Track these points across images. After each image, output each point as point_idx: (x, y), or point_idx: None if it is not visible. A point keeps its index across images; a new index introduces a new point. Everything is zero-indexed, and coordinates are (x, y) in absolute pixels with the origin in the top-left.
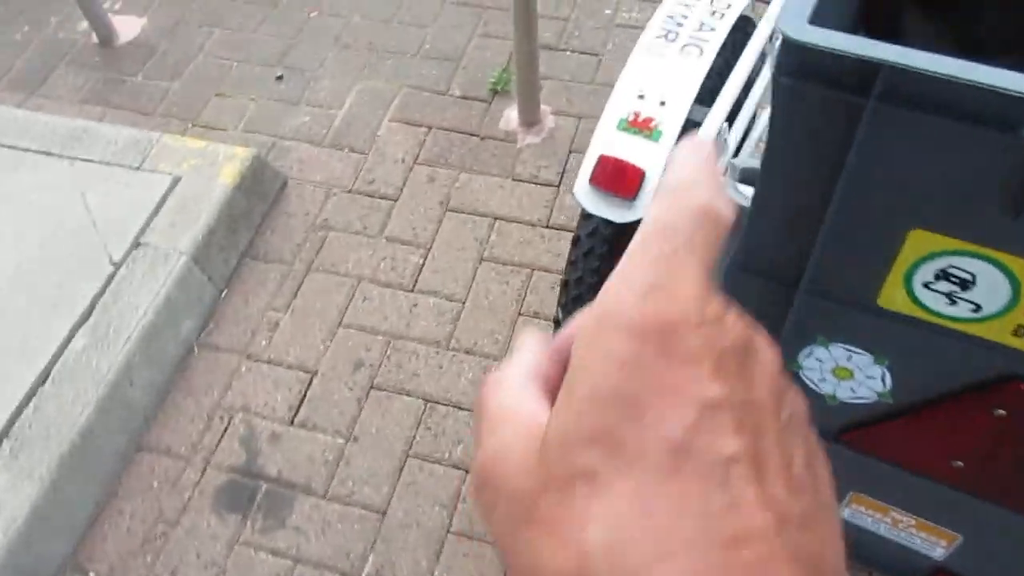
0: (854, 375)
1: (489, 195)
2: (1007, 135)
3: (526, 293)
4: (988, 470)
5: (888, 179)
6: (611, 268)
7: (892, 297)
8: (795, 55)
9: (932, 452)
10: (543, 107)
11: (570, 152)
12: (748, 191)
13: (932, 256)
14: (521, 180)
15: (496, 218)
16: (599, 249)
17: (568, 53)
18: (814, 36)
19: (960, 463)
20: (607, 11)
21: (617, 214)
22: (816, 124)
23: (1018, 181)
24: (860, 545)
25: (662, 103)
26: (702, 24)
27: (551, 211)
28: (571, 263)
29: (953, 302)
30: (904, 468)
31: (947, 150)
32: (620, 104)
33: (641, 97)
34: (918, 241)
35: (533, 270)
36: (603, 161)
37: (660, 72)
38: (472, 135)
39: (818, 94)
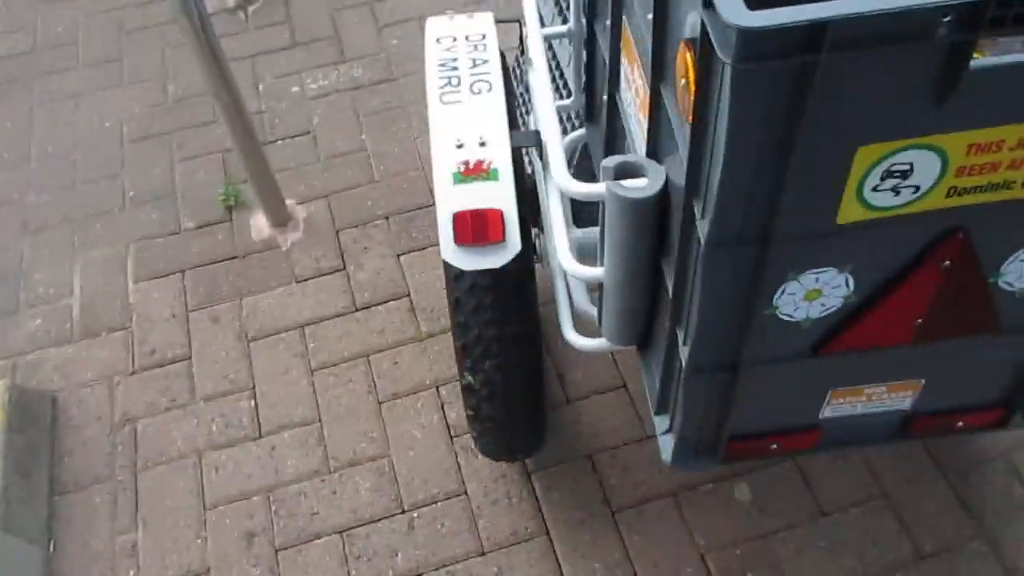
0: (822, 292)
1: (283, 308)
2: (924, 41)
3: (374, 380)
4: (942, 316)
5: (838, 117)
6: (504, 314)
7: (848, 212)
8: (747, 42)
9: (897, 324)
10: (287, 202)
11: (337, 232)
12: (638, 183)
13: (877, 162)
14: (306, 279)
15: (303, 326)
16: (485, 300)
17: (280, 142)
18: (760, 19)
19: (920, 320)
20: (294, 88)
21: (494, 260)
22: (769, 95)
23: (939, 76)
24: (840, 430)
25: (483, 143)
26: (474, 61)
27: (352, 294)
28: (460, 325)
29: (897, 192)
30: (874, 349)
31: (884, 72)
32: (445, 160)
33: (461, 146)
34: (865, 155)
35: (368, 356)
36: (460, 219)
37: (465, 117)
38: (231, 259)
39: (772, 68)
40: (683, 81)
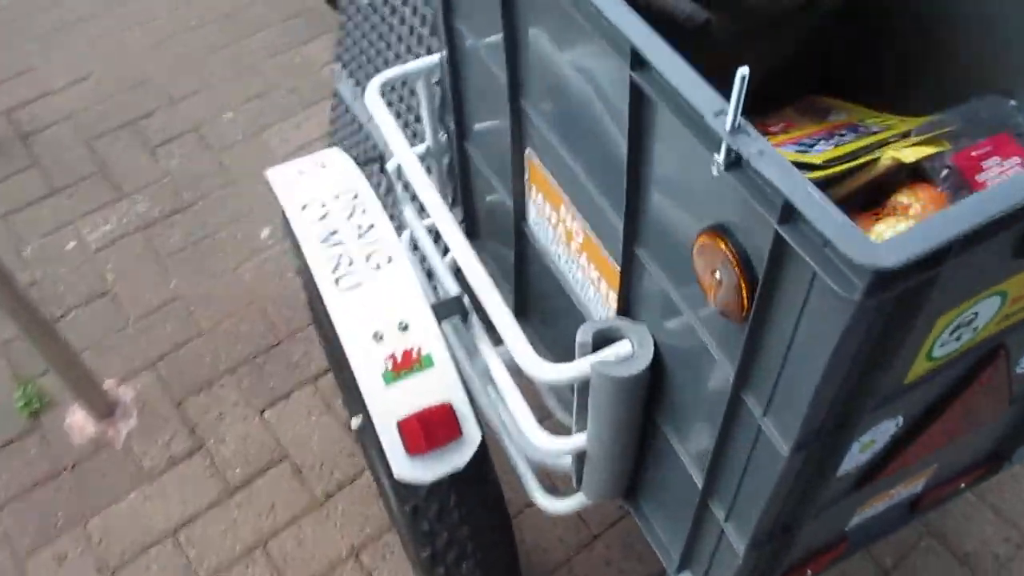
0: (875, 440)
1: (143, 517)
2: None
3: (280, 570)
4: (972, 417)
5: (929, 304)
6: (473, 507)
7: (916, 371)
8: (882, 281)
9: (938, 440)
10: (106, 385)
11: (179, 405)
12: (619, 350)
13: (951, 322)
14: (160, 473)
15: (174, 532)
16: (450, 501)
17: (74, 314)
18: (897, 251)
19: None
20: (71, 244)
21: (456, 460)
22: (878, 314)
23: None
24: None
25: (404, 327)
26: (359, 228)
27: (221, 475)
28: (424, 534)
29: (959, 339)
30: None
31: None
32: (368, 360)
33: (380, 338)
34: (943, 321)
35: (264, 544)
36: (407, 427)
37: (374, 301)
38: (56, 475)
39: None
40: (716, 275)
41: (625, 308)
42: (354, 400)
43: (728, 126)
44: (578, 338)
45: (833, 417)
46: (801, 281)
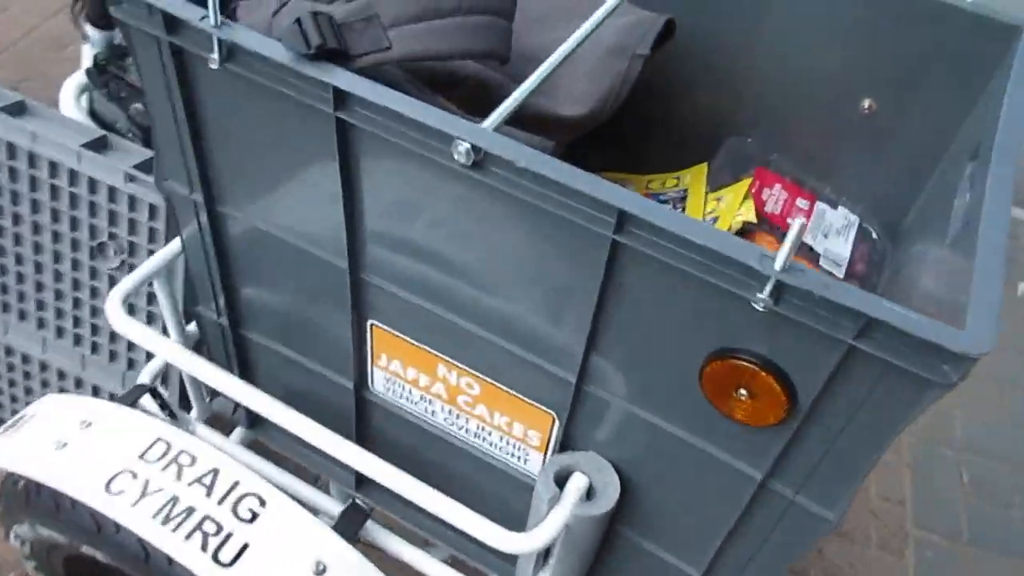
0: None
1: None
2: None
3: None
4: None
5: None
6: None
7: None
8: (968, 364)
9: None
10: None
11: None
12: (577, 485)
13: None
14: None
15: None
16: None
17: None
18: (988, 334)
19: None
20: None
21: None
22: None
23: None
24: None
25: (322, 570)
26: (199, 482)
27: None
28: None
29: None
30: None
31: None
32: None
33: None
34: None
35: None
36: None
37: (277, 557)
38: None
39: None
40: (739, 393)
41: (567, 444)
42: None
43: (779, 266)
44: (539, 490)
45: None
46: (869, 378)
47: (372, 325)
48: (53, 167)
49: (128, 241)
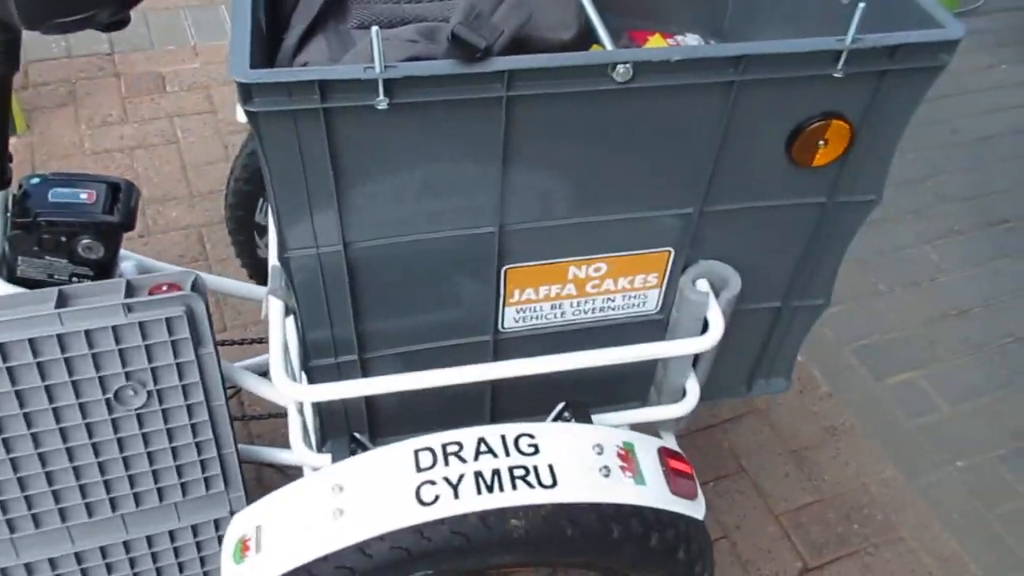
0: None
1: None
2: None
3: None
4: None
5: None
6: None
7: None
8: None
9: None
10: None
11: None
12: None
13: None
14: None
15: None
16: None
17: None
18: None
19: None
20: None
21: None
22: None
23: None
24: None
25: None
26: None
27: None
28: None
29: None
30: None
31: None
32: None
33: None
34: None
35: None
36: None
37: None
38: None
39: None
40: (821, 143)
41: (683, 265)
42: None
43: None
44: (689, 298)
45: None
46: (897, 85)
47: (507, 270)
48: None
49: (151, 369)
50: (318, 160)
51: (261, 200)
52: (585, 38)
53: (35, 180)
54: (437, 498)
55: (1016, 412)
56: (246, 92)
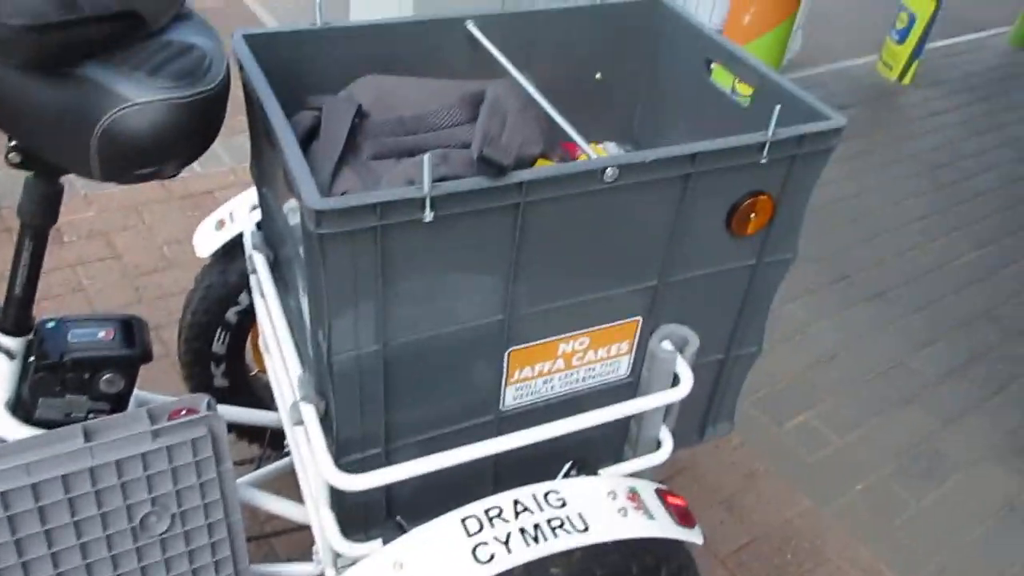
0: None
1: None
2: None
3: None
4: None
5: None
6: None
7: None
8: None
9: None
10: None
11: None
12: None
13: None
14: None
15: None
16: None
17: None
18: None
19: None
20: None
21: None
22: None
23: None
24: None
25: None
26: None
27: None
28: None
29: None
30: None
31: None
32: None
33: None
34: None
35: None
36: None
37: None
38: None
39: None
40: (752, 216)
41: (646, 331)
42: None
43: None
44: (659, 356)
45: None
46: (804, 163)
47: (511, 352)
48: (65, 482)
49: (176, 492)
50: (368, 271)
51: (219, 329)
52: (545, 151)
53: (50, 324)
54: (493, 556)
55: (892, 434)
56: (318, 218)
